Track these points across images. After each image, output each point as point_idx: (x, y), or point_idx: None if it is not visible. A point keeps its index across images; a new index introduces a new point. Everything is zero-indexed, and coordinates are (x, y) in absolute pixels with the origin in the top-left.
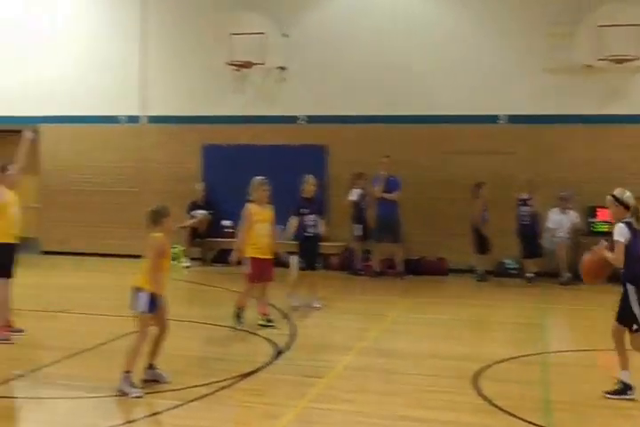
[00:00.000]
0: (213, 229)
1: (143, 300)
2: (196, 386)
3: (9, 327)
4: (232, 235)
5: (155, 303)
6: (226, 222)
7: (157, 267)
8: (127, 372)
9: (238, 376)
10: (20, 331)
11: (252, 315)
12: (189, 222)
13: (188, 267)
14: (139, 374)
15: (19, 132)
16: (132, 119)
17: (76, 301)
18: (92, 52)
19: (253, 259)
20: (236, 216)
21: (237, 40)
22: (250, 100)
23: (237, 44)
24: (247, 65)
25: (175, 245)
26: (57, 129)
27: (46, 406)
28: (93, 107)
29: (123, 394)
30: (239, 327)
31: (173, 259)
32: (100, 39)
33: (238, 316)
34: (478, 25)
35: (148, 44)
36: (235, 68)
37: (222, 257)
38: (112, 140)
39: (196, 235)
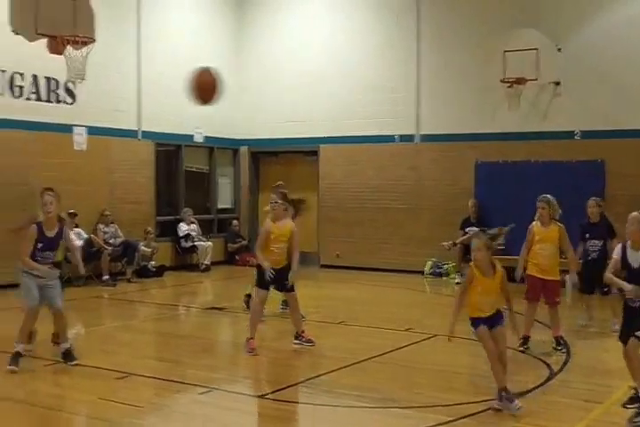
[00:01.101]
0: None
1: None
2: (468, 403)
3: (252, 340)
4: (504, 252)
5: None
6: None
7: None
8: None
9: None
10: (311, 342)
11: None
12: (461, 239)
13: (458, 283)
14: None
15: (303, 153)
16: (407, 138)
17: (351, 313)
18: (368, 74)
19: (530, 276)
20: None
21: (510, 57)
22: (523, 116)
23: (510, 61)
24: (520, 81)
25: (447, 262)
26: (334, 149)
27: (321, 412)
28: (369, 127)
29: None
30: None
31: (446, 275)
32: (376, 60)
33: (523, 343)
34: None
35: (421, 63)
36: (508, 84)
37: None
38: (387, 158)
39: (467, 251)
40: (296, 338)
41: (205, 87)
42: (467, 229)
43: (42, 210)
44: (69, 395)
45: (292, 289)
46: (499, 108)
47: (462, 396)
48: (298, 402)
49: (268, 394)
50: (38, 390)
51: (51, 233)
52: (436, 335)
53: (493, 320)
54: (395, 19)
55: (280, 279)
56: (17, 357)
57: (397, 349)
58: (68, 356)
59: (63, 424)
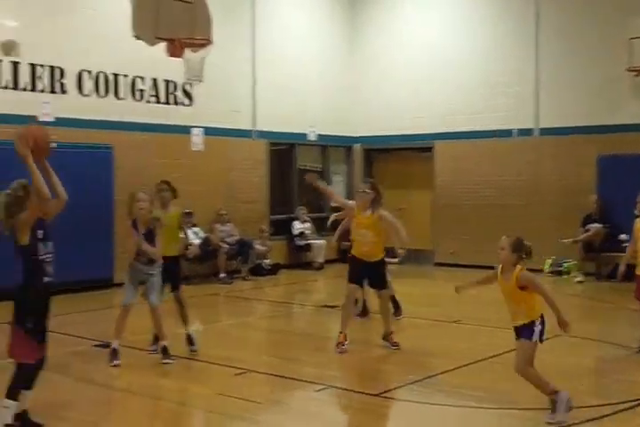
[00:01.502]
0: (609, 243)
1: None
2: (590, 406)
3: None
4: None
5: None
6: (623, 237)
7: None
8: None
9: (638, 400)
10: (396, 345)
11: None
12: (583, 236)
13: (581, 282)
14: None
15: (417, 149)
16: (526, 132)
17: (467, 312)
18: (484, 67)
19: (636, 275)
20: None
21: (637, 44)
22: None
23: (637, 48)
24: None
25: (568, 260)
26: (449, 145)
27: (437, 411)
28: (485, 122)
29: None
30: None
31: (566, 273)
32: (492, 52)
33: None
34: None
35: (540, 53)
36: (635, 73)
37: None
38: (504, 153)
39: (590, 249)
40: (383, 339)
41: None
42: (588, 226)
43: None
44: (190, 389)
45: (383, 286)
46: (624, 99)
47: (585, 398)
48: (412, 401)
49: (383, 393)
50: (160, 384)
51: (143, 230)
52: (555, 335)
53: (518, 331)
54: (511, 9)
55: (372, 275)
56: (114, 353)
57: (514, 349)
58: (163, 352)
59: (184, 417)
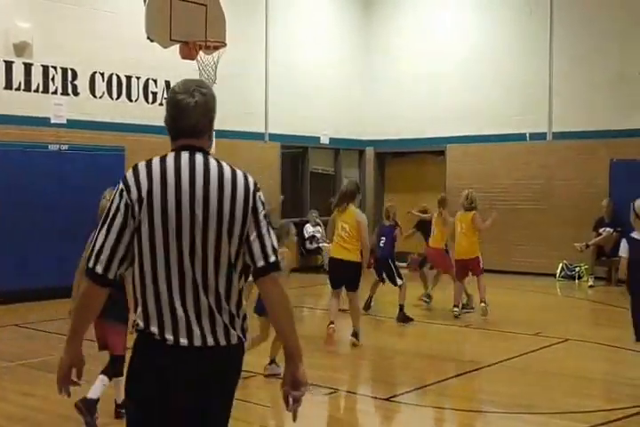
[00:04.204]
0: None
1: None
2: (602, 410)
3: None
4: None
5: None
6: None
7: None
8: None
9: None
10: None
11: None
12: (594, 240)
13: (591, 286)
14: None
15: (429, 153)
16: (539, 136)
17: (479, 317)
18: (497, 70)
19: None
20: None
21: None
22: None
23: None
24: None
25: (579, 264)
26: (462, 148)
27: (451, 416)
28: (498, 125)
29: None
30: None
31: (578, 278)
32: (505, 55)
33: None
34: None
35: (554, 56)
36: None
37: None
38: (517, 157)
39: (602, 253)
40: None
41: None
42: (600, 230)
43: None
44: None
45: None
46: (638, 104)
47: (599, 402)
48: (426, 406)
49: (394, 396)
50: None
51: None
52: (566, 340)
53: None
54: (527, 9)
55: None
56: None
57: (526, 353)
58: None
59: None
